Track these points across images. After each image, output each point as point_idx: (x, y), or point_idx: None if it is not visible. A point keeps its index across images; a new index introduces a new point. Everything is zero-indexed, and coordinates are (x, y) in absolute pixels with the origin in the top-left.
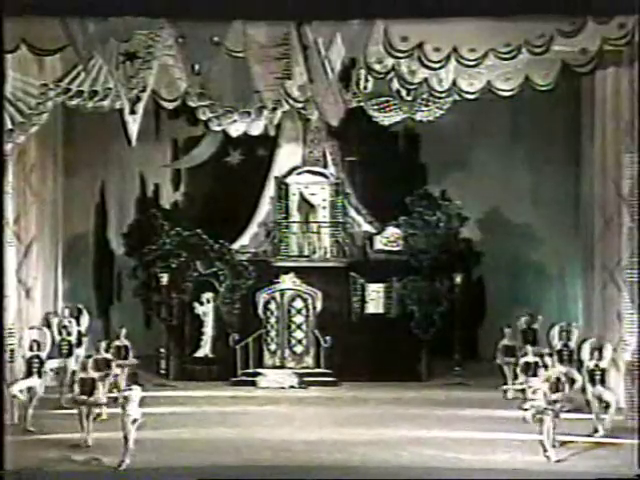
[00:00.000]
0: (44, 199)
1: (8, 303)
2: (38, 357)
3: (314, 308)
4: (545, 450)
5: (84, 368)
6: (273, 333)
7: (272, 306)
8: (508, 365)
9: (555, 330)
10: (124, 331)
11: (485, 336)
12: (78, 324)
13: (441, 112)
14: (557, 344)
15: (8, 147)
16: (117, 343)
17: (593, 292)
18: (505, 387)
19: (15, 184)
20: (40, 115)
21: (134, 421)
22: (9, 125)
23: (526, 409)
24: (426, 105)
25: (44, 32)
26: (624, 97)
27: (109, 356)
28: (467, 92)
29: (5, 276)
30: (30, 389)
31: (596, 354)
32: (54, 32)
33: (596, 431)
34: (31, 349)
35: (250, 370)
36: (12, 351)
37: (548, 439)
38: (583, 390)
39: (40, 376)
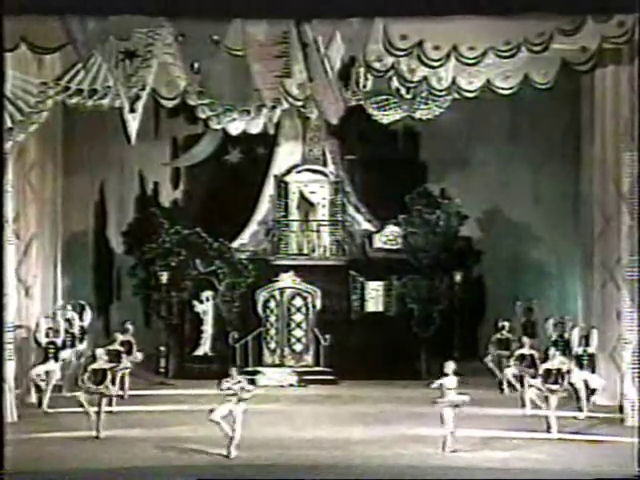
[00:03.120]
0: (44, 197)
1: (8, 301)
2: (53, 343)
3: (314, 306)
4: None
5: (96, 359)
6: (272, 331)
7: (272, 304)
8: (500, 358)
9: (550, 322)
10: (131, 328)
11: (485, 334)
12: (81, 319)
13: (440, 110)
14: (552, 335)
15: (8, 145)
16: (122, 338)
17: (593, 291)
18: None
19: (15, 182)
20: (40, 113)
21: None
22: (9, 123)
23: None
24: (425, 103)
25: (44, 31)
26: (624, 95)
27: (121, 348)
28: (467, 90)
29: (5, 274)
30: (48, 373)
31: (584, 340)
32: (54, 31)
33: (580, 411)
34: (47, 336)
35: (250, 368)
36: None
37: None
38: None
39: (56, 361)
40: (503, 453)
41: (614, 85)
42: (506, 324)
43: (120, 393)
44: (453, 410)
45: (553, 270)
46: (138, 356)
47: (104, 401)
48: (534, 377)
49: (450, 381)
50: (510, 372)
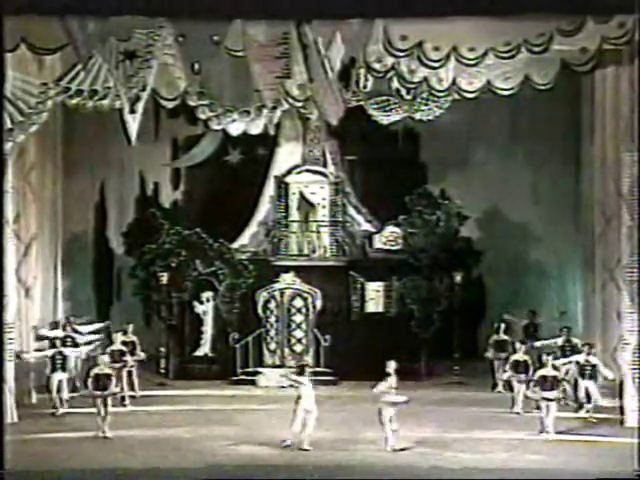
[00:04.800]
0: (44, 198)
1: (8, 302)
2: (60, 353)
3: (314, 307)
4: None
5: (98, 364)
6: (273, 332)
7: (272, 305)
8: (499, 360)
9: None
10: (131, 327)
11: (485, 335)
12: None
13: (441, 111)
14: (559, 340)
15: (8, 146)
16: (122, 338)
17: (593, 291)
18: None
19: (15, 183)
20: (40, 114)
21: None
22: (9, 124)
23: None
24: (426, 104)
25: (44, 31)
26: (624, 96)
27: (124, 348)
28: (467, 91)
29: (5, 275)
30: (59, 382)
31: (586, 348)
32: (54, 31)
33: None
34: (53, 346)
35: (250, 369)
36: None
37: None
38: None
39: (64, 370)
40: (503, 454)
41: (614, 86)
42: (502, 325)
43: (126, 394)
44: (393, 409)
45: (553, 271)
46: (141, 355)
47: (109, 403)
48: (527, 384)
49: (391, 380)
50: (506, 376)
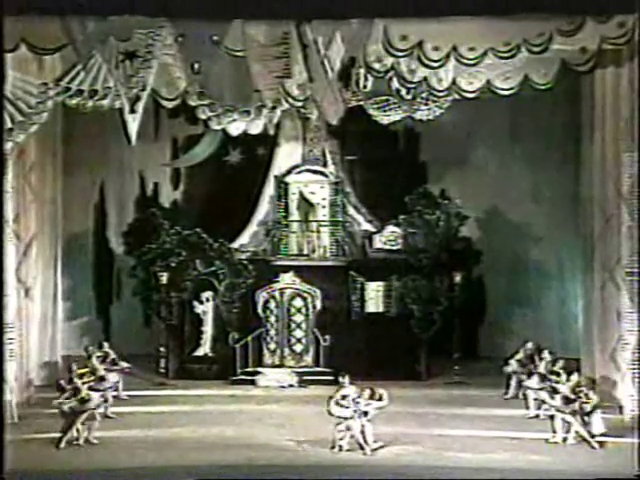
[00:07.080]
0: (44, 198)
1: (8, 302)
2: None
3: (314, 307)
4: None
5: (72, 375)
6: (273, 332)
7: (272, 305)
8: (518, 374)
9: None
10: (106, 344)
11: (485, 335)
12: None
13: (440, 111)
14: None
15: (8, 146)
16: (101, 354)
17: (593, 291)
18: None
19: (15, 183)
20: (40, 114)
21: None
22: (9, 124)
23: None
24: (425, 104)
25: (44, 31)
26: (624, 96)
27: (97, 365)
28: (466, 91)
29: (5, 275)
30: None
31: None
32: (54, 31)
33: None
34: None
35: (250, 369)
36: None
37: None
38: None
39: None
40: (504, 454)
41: (614, 85)
42: (530, 345)
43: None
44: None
45: (553, 271)
46: (123, 364)
47: (83, 416)
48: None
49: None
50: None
